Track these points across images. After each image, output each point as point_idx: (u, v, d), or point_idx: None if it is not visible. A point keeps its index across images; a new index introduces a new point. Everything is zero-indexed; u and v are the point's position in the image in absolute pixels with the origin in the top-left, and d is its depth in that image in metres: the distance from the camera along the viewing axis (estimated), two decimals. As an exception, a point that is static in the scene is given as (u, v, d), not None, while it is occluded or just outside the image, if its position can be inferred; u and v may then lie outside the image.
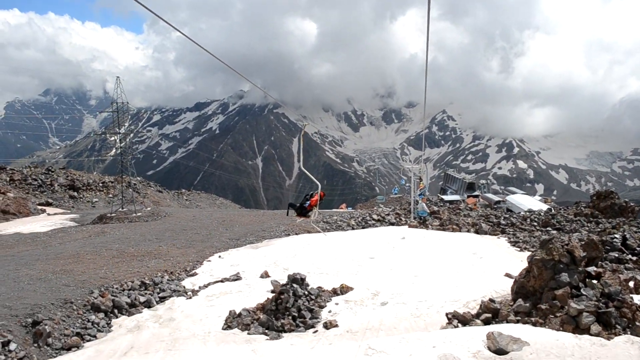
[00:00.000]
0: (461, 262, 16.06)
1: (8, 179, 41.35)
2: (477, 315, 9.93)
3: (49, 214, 33.68)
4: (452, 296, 11.89)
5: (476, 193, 52.87)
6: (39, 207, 35.29)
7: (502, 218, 25.91)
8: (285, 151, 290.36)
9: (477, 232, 22.99)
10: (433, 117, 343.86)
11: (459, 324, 9.78)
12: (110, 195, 42.56)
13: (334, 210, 42.38)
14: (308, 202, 13.54)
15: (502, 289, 12.01)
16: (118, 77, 34.74)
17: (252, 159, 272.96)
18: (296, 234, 23.72)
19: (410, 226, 25.55)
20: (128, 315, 12.87)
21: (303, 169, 13.24)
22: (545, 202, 44.83)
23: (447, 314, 10.31)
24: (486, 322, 9.49)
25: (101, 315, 12.59)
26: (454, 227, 23.92)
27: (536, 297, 9.54)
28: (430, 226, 25.07)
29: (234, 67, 8.77)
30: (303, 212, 13.51)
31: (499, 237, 21.60)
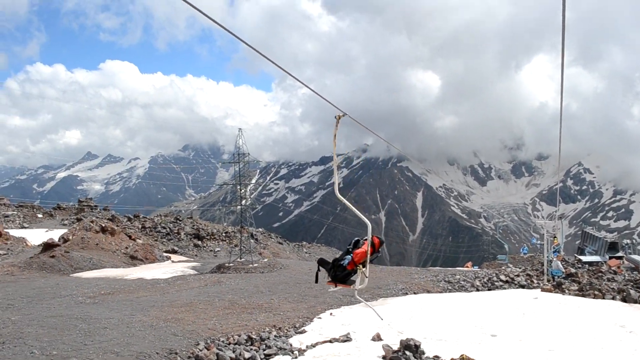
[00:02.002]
0: (606, 336, 13.81)
1: (140, 226, 44.57)
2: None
3: (173, 261, 35.37)
4: (597, 379, 10.01)
5: (620, 254, 47.30)
6: (165, 254, 37.31)
7: (656, 285, 22.43)
8: (409, 205, 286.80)
9: (624, 300, 19.97)
10: (568, 170, 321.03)
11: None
12: (232, 245, 43.94)
13: (457, 268, 40.04)
14: (349, 257, 8.26)
15: (662, 374, 9.91)
16: (240, 129, 36.39)
17: (375, 213, 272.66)
18: (415, 293, 22.35)
19: (543, 290, 23.03)
20: (230, 372, 12.44)
21: (338, 194, 7.74)
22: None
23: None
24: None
25: (203, 369, 12.29)
26: (596, 293, 21.06)
27: None
28: (567, 291, 22.37)
29: (357, 121, 8.35)
30: (339, 275, 8.25)
31: (653, 308, 18.57)
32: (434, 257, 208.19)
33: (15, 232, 41.14)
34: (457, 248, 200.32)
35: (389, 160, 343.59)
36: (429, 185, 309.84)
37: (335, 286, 8.40)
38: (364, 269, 7.96)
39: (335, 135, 7.62)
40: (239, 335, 14.58)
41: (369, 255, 7.95)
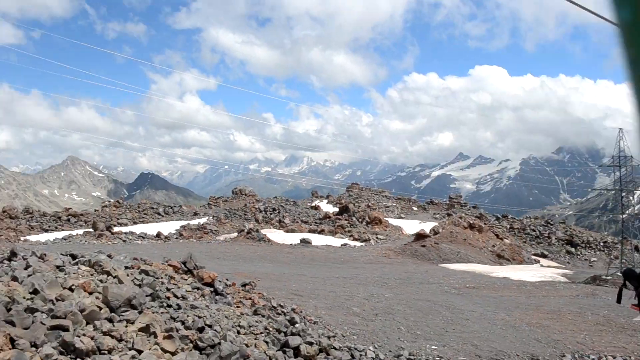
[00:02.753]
0: None
1: (508, 226, 44.09)
2: None
3: (542, 265, 33.83)
4: None
5: None
6: (533, 257, 35.99)
7: None
8: None
9: None
10: None
11: None
12: (611, 257, 39.44)
13: None
14: None
15: None
16: (621, 129, 32.31)
17: None
18: None
19: None
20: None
21: None
22: None
23: None
24: None
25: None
26: None
27: None
28: None
29: None
30: None
31: None
32: None
33: (393, 221, 46.00)
34: None
35: None
36: None
37: None
38: None
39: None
40: (614, 357, 12.81)
41: None
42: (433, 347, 11.97)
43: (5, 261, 10.54)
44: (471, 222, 35.93)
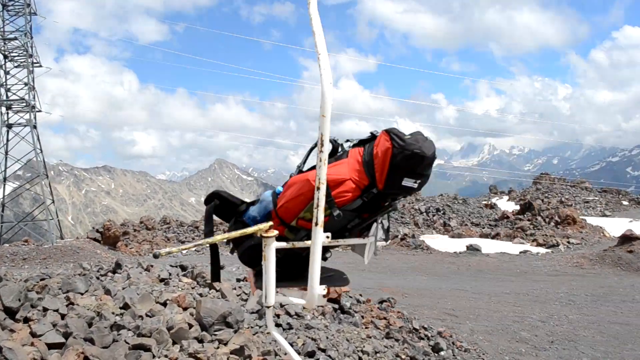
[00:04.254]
0: None
1: None
2: None
3: None
4: None
5: None
6: None
7: None
8: None
9: None
10: None
11: None
12: None
13: None
14: (267, 197, 2.91)
15: None
16: None
17: None
18: None
19: None
20: None
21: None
22: None
23: None
24: None
25: None
26: None
27: None
28: None
29: None
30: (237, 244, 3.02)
31: None
32: None
33: (593, 220, 40.12)
34: None
35: None
36: None
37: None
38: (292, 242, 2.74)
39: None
40: None
41: (320, 205, 2.51)
42: (626, 389, 9.17)
43: (109, 273, 10.11)
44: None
